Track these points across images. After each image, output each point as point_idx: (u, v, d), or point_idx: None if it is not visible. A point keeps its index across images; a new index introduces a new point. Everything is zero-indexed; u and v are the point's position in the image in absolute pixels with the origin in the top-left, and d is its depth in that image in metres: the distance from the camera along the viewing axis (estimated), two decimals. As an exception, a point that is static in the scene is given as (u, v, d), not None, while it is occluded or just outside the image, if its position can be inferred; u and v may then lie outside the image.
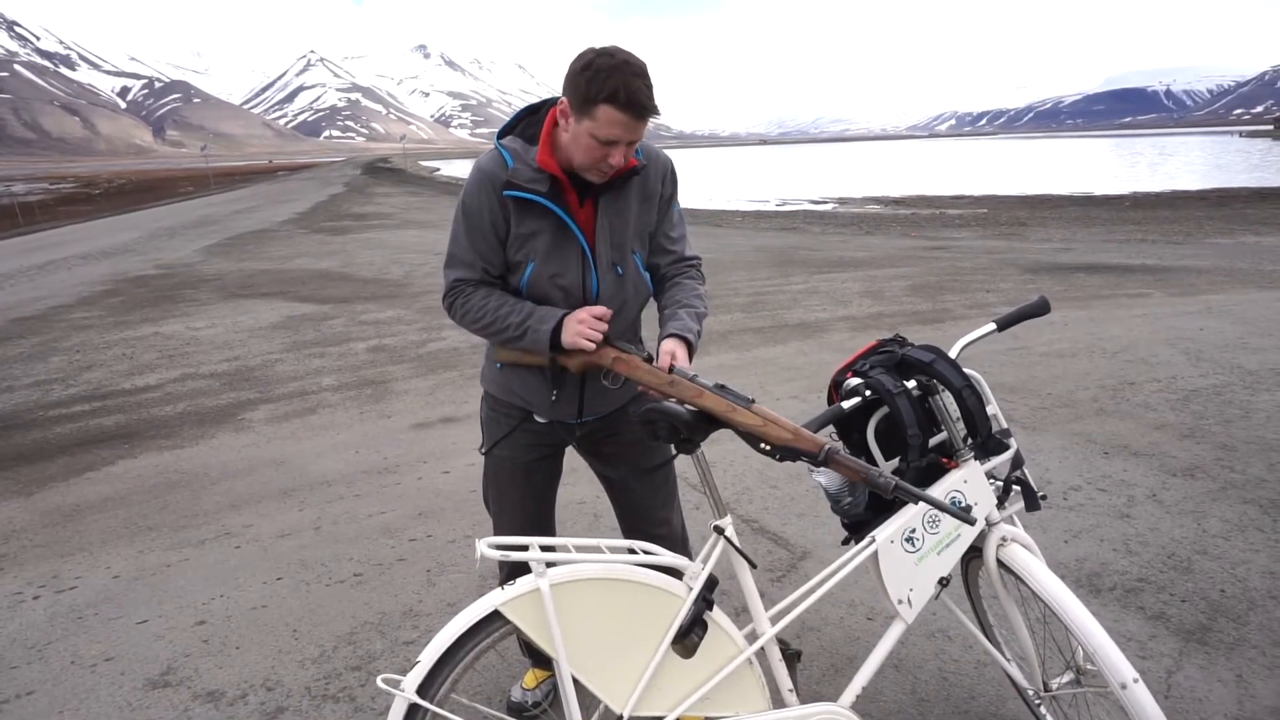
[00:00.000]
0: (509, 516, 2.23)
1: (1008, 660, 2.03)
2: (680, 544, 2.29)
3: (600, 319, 1.82)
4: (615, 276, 1.96)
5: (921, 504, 1.73)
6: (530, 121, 1.92)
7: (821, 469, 1.76)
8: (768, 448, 1.60)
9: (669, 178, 2.02)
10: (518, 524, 2.23)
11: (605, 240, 1.92)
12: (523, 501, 2.22)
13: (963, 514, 1.56)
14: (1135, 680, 1.58)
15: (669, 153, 2.07)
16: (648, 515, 2.23)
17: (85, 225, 24.61)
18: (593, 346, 1.80)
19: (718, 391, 1.63)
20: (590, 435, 2.12)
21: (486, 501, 2.27)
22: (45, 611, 3.05)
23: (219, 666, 2.66)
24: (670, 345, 1.83)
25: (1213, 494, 3.61)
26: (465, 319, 1.95)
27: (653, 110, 1.72)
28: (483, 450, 2.18)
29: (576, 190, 1.89)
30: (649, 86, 1.71)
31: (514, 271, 1.94)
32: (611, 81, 1.67)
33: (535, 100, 2.00)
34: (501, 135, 1.94)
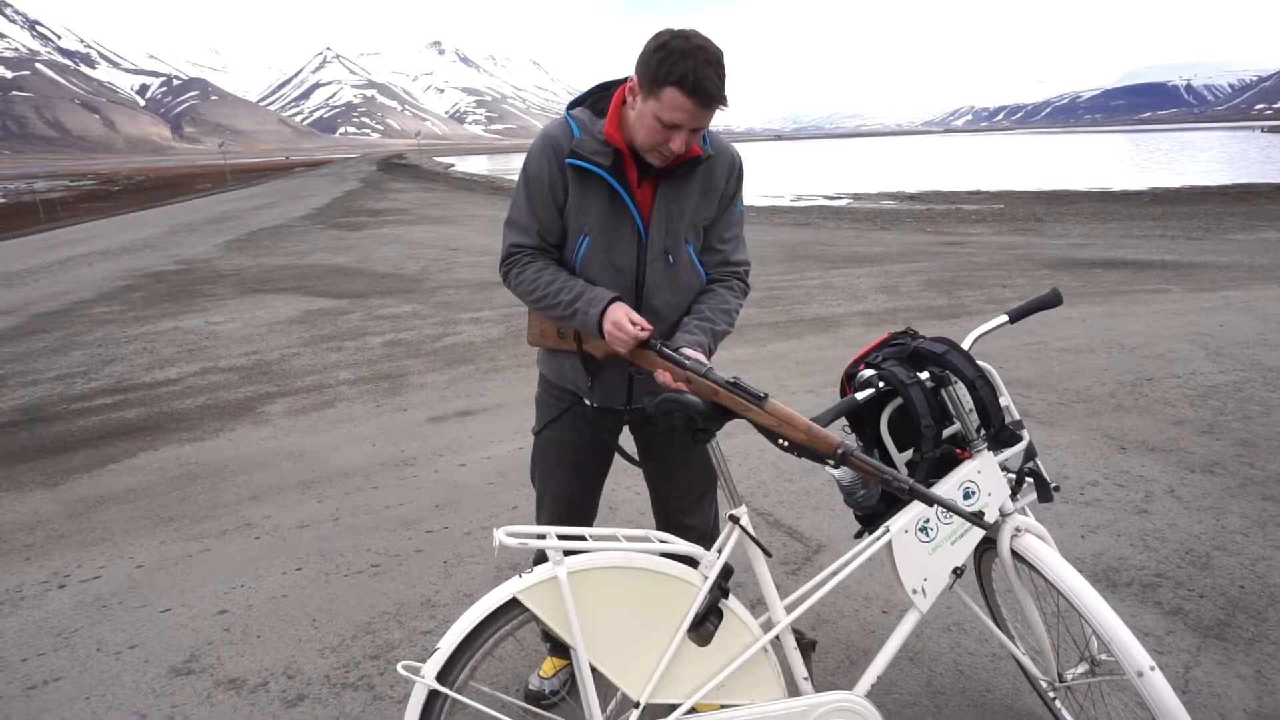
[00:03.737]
0: (551, 499, 2.25)
1: (1022, 652, 2.04)
2: (708, 542, 2.29)
3: (637, 324, 1.79)
4: (666, 265, 1.94)
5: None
6: (602, 95, 1.92)
7: (837, 460, 1.77)
8: (786, 444, 1.61)
9: (735, 175, 2.00)
10: (559, 508, 2.23)
11: (660, 226, 1.91)
12: (569, 485, 2.22)
13: (975, 517, 1.57)
14: (1152, 668, 1.58)
15: None
16: (680, 506, 2.23)
17: (105, 222, 24.86)
18: (623, 349, 1.78)
19: (732, 388, 1.63)
20: (638, 422, 2.13)
21: (533, 480, 2.29)
22: (71, 600, 3.10)
23: (240, 655, 2.70)
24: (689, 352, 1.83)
25: (1232, 490, 3.58)
26: (519, 289, 1.95)
27: (720, 100, 1.72)
28: (534, 430, 2.19)
29: (638, 169, 1.88)
30: (720, 76, 1.70)
31: (568, 244, 1.94)
32: (681, 66, 1.66)
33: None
34: (572, 106, 1.94)
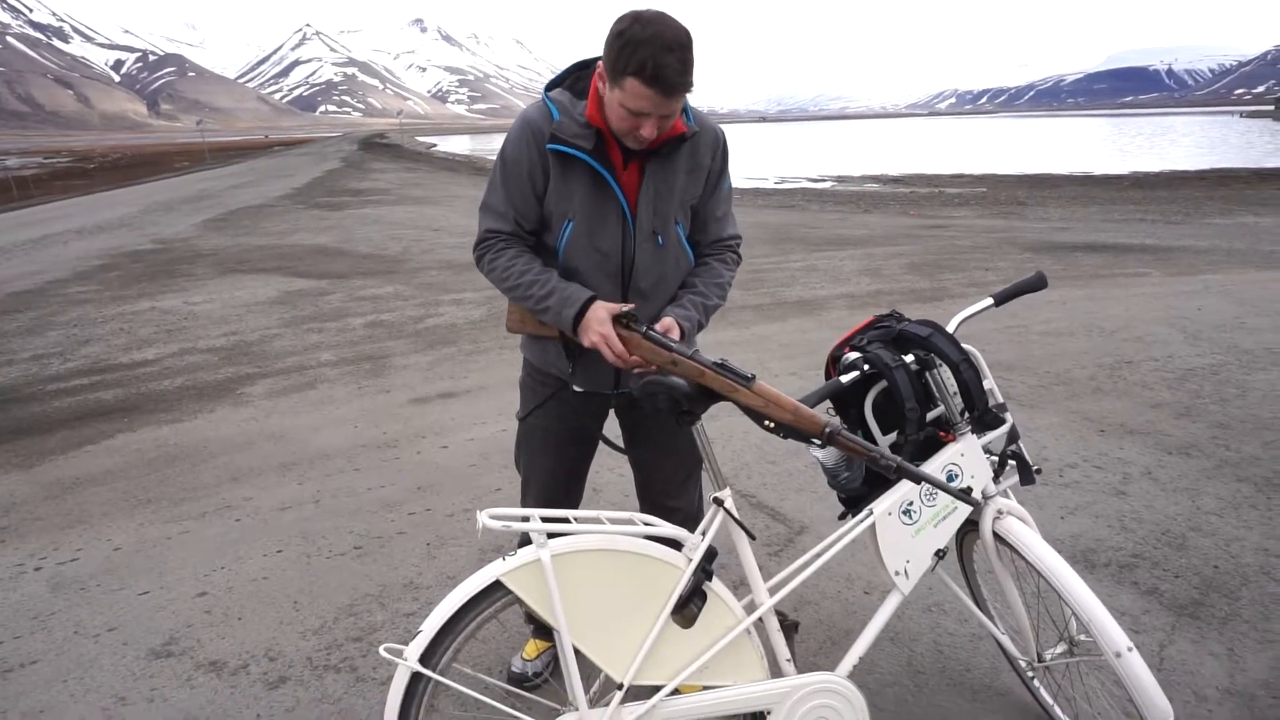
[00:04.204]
0: (536, 484, 2.23)
1: (1002, 632, 2.06)
2: (692, 524, 2.29)
3: (621, 317, 1.78)
4: (655, 247, 1.92)
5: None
6: (581, 75, 1.88)
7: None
8: (772, 425, 1.61)
9: (720, 151, 1.98)
10: (544, 493, 2.22)
11: (648, 207, 1.88)
12: (553, 471, 2.21)
13: (962, 494, 1.58)
14: (1130, 649, 1.60)
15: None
16: (665, 490, 2.23)
17: (81, 200, 24.47)
18: (609, 354, 1.76)
19: (719, 370, 1.63)
20: (624, 406, 2.12)
21: (518, 465, 2.28)
22: (47, 583, 3.07)
23: (221, 637, 2.68)
24: (668, 322, 1.83)
25: (1207, 472, 3.63)
26: (491, 275, 1.92)
27: (682, 87, 1.67)
28: (519, 416, 2.17)
29: (622, 150, 1.84)
30: (683, 61, 1.64)
31: (552, 229, 1.91)
32: (640, 54, 1.61)
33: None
34: (550, 88, 1.91)
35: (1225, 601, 2.68)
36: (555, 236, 1.91)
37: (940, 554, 1.77)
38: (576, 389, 2.03)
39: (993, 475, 1.83)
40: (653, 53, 1.61)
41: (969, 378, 1.78)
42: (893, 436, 1.81)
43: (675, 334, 1.81)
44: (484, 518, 1.52)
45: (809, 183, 25.86)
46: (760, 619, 1.71)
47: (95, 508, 3.70)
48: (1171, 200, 15.79)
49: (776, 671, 1.73)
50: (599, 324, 1.78)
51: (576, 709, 1.61)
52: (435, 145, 74.95)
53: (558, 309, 1.82)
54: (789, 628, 1.77)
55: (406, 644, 1.56)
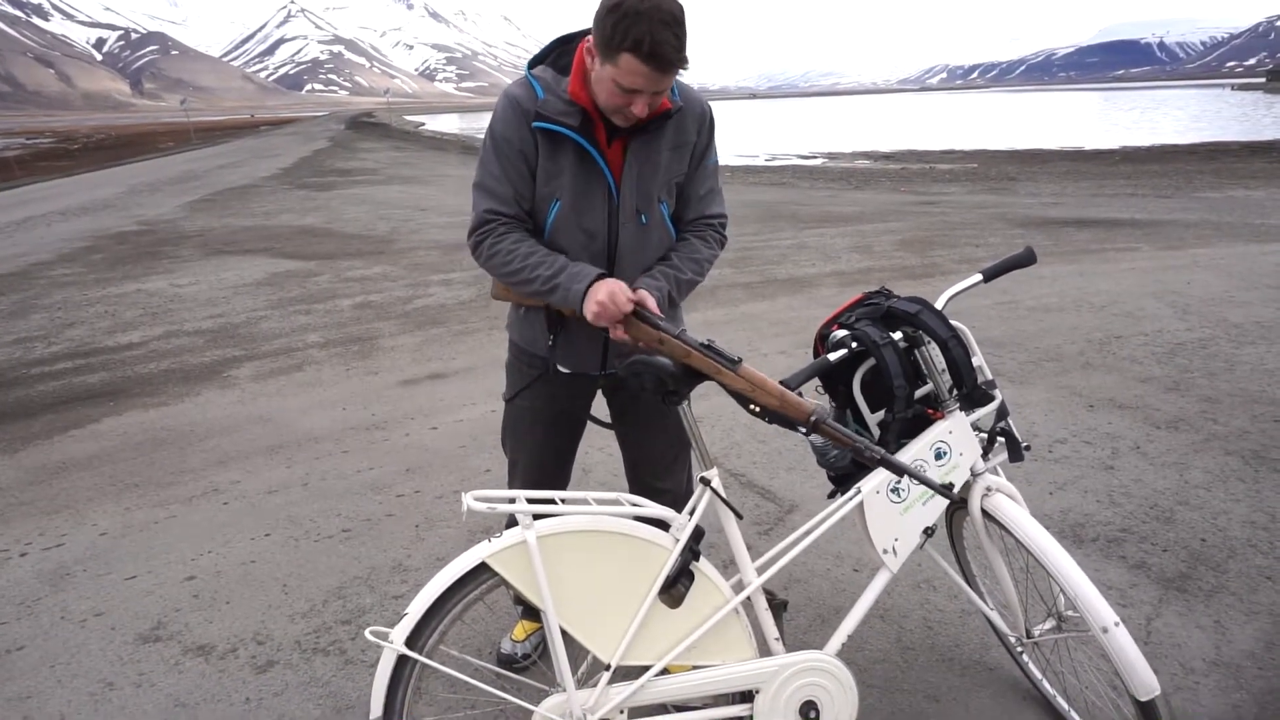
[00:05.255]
0: (524, 467, 2.22)
1: (990, 609, 2.06)
2: (681, 504, 2.28)
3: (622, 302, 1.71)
4: (638, 225, 1.89)
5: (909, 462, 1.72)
6: (563, 51, 1.84)
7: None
8: (757, 409, 1.59)
9: (705, 127, 1.93)
10: (532, 475, 2.20)
11: (631, 186, 1.85)
12: (540, 453, 2.19)
13: (944, 490, 1.56)
14: (1117, 624, 1.60)
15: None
16: (654, 471, 2.21)
17: (64, 181, 24.16)
18: (608, 321, 1.71)
19: (705, 351, 1.60)
20: (612, 387, 2.09)
21: (505, 447, 2.26)
22: (33, 568, 3.04)
23: (209, 621, 2.67)
24: (640, 293, 1.78)
25: (1196, 446, 3.64)
26: (493, 260, 1.84)
27: (679, 64, 1.64)
28: (506, 397, 2.15)
29: (606, 127, 1.81)
30: (679, 36, 1.61)
31: (539, 211, 1.87)
32: (636, 30, 1.57)
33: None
34: (532, 65, 1.87)
35: (1212, 574, 2.70)
36: (542, 217, 1.87)
37: (929, 531, 1.77)
38: (562, 369, 2.00)
39: (981, 452, 1.82)
40: (650, 28, 1.57)
41: (957, 354, 1.76)
42: (882, 414, 1.80)
43: (650, 304, 1.75)
44: (469, 499, 1.51)
45: (799, 160, 25.73)
46: (748, 598, 1.70)
47: (81, 493, 3.67)
48: (1162, 174, 15.79)
49: (765, 650, 1.73)
50: (609, 284, 1.71)
51: (564, 690, 1.60)
52: (423, 124, 74.28)
53: (568, 284, 1.76)
54: (777, 606, 1.76)
55: (394, 627, 1.55)
